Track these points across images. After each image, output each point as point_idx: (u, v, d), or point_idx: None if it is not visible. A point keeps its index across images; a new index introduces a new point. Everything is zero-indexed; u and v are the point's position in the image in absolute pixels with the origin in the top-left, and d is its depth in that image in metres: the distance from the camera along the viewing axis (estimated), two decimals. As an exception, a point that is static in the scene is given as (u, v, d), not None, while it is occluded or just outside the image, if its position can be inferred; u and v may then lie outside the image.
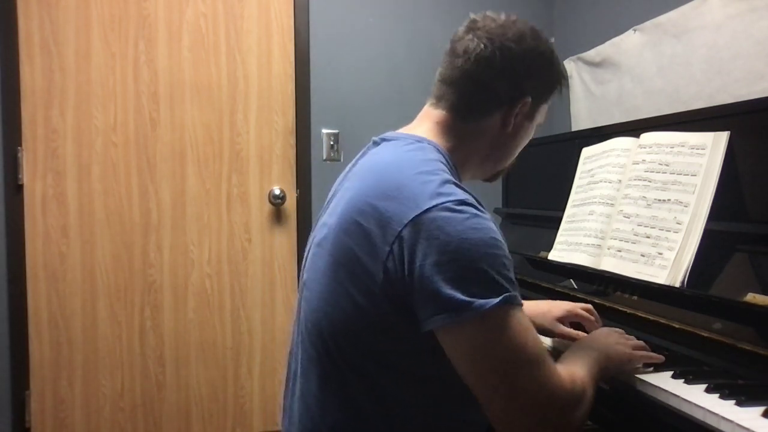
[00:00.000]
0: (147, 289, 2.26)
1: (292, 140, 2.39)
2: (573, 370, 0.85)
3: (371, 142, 1.00)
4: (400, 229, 0.79)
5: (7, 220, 2.11)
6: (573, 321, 1.21)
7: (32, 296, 2.15)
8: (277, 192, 2.34)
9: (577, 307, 1.22)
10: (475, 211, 0.81)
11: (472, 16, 0.96)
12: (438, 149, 0.92)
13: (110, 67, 2.21)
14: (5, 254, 2.10)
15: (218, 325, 2.33)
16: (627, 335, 1.05)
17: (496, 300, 0.75)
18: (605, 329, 1.08)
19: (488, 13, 0.96)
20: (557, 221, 1.56)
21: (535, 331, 0.81)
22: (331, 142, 2.42)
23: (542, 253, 1.58)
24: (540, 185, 1.92)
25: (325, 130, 2.42)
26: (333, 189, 1.05)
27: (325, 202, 1.03)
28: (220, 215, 2.33)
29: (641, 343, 1.04)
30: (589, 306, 1.23)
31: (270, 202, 2.35)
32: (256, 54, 2.34)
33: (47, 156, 2.16)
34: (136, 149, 2.24)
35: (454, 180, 0.85)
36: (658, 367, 1.00)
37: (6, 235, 2.10)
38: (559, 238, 1.53)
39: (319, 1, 2.40)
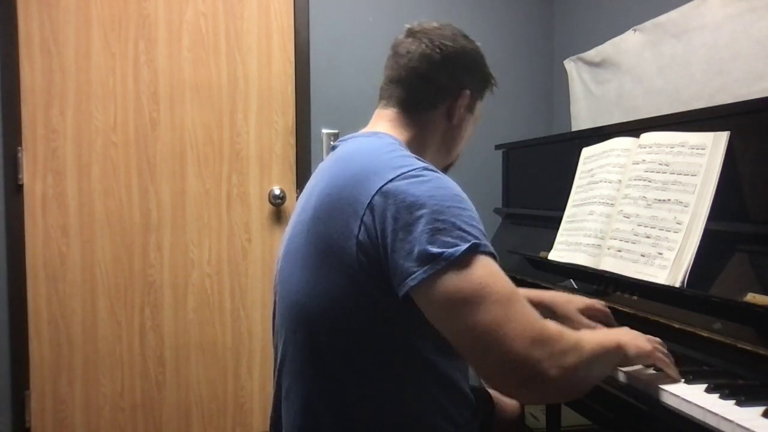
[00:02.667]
0: (147, 289, 2.26)
1: (292, 140, 2.39)
2: (569, 329, 0.82)
3: (331, 148, 1.06)
4: (368, 200, 0.84)
5: (7, 220, 2.11)
6: (592, 315, 1.20)
7: (32, 296, 2.15)
8: (277, 192, 2.34)
9: (596, 302, 1.22)
10: (437, 175, 0.87)
11: (408, 25, 1.08)
12: (394, 140, 0.98)
13: (110, 67, 2.21)
14: (5, 254, 2.10)
15: (218, 325, 2.33)
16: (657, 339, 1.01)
17: (465, 246, 0.78)
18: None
19: (423, 20, 1.09)
20: (557, 221, 1.56)
21: (506, 277, 0.81)
22: (331, 142, 2.42)
23: (542, 253, 1.58)
24: (540, 185, 1.92)
25: (325, 130, 2.42)
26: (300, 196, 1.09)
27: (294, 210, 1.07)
28: (220, 215, 2.33)
29: (666, 352, 0.98)
30: (602, 303, 1.23)
31: (270, 202, 2.35)
32: (256, 54, 2.34)
33: (47, 156, 2.16)
34: (136, 149, 2.24)
35: (413, 155, 0.92)
36: (657, 367, 1.00)
37: (6, 235, 2.10)
38: (559, 238, 1.53)
39: (319, 1, 2.40)
